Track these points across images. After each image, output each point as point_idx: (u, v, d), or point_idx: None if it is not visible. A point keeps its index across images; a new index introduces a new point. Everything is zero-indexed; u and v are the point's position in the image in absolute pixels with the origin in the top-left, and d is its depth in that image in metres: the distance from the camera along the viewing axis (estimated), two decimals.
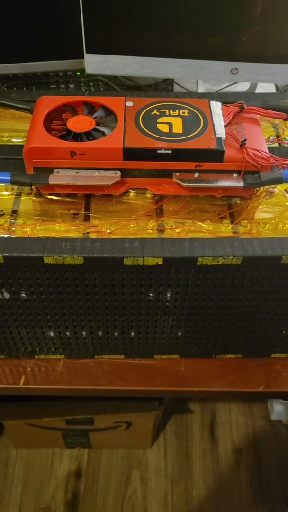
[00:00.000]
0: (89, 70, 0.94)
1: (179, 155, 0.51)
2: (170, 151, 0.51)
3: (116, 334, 0.60)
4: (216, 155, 0.51)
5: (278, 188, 0.55)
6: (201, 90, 1.04)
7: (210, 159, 0.51)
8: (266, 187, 0.55)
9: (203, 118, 0.54)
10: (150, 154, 0.51)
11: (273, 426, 1.35)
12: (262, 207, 0.54)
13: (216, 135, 0.52)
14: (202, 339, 0.62)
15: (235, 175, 0.52)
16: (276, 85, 1.06)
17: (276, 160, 0.52)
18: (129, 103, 0.55)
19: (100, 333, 0.60)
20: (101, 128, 0.53)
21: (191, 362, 0.65)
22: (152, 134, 0.52)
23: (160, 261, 0.49)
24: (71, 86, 1.02)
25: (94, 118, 0.55)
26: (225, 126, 0.54)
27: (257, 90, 1.00)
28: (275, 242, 0.49)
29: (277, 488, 1.23)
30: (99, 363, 0.65)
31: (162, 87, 1.05)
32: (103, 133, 0.53)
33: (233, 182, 0.51)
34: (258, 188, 0.55)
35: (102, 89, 1.01)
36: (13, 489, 1.22)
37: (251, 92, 0.99)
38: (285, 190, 0.55)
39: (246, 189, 0.53)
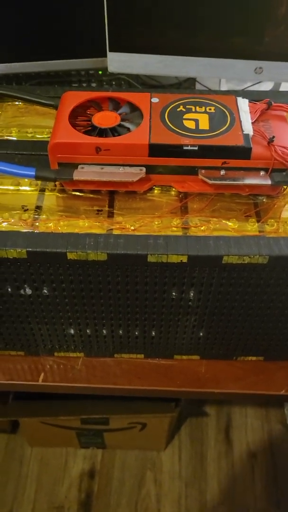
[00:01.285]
0: (111, 68, 0.94)
1: (205, 151, 0.50)
2: (196, 148, 0.50)
3: (136, 333, 0.59)
4: (243, 152, 0.50)
5: None
6: (223, 89, 1.03)
7: (237, 156, 0.50)
8: None
9: (230, 114, 0.53)
10: (175, 151, 0.50)
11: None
12: None
13: (244, 132, 0.51)
14: (224, 340, 0.61)
15: (262, 173, 0.51)
16: None
17: None
18: (154, 100, 0.55)
19: (120, 332, 0.59)
20: (127, 124, 0.53)
21: (211, 363, 0.64)
22: (178, 130, 0.51)
23: (184, 259, 0.48)
24: (93, 84, 1.02)
25: (120, 114, 0.54)
26: (252, 123, 0.53)
27: (281, 90, 0.99)
28: None
29: None
30: (118, 362, 0.64)
31: (185, 86, 1.04)
32: (128, 129, 0.52)
33: (260, 180, 0.50)
34: (285, 187, 0.54)
35: (124, 87, 1.01)
36: (27, 487, 1.22)
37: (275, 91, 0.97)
38: None
39: (273, 188, 0.52)
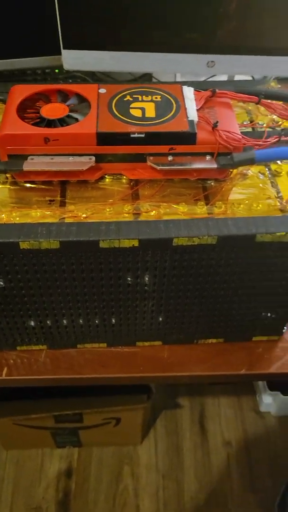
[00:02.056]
0: (66, 66, 0.95)
1: (152, 138, 0.51)
2: (143, 135, 0.51)
3: (97, 321, 0.60)
4: (188, 137, 0.51)
5: (252, 170, 0.56)
6: None
7: (183, 141, 0.52)
8: (240, 169, 0.56)
9: (175, 102, 0.55)
10: (123, 139, 0.51)
11: (262, 418, 1.36)
12: (236, 188, 0.55)
13: (189, 118, 0.52)
14: (183, 324, 0.62)
15: (208, 157, 0.52)
16: (253, 77, 1.07)
17: (248, 141, 0.53)
18: (102, 90, 0.56)
19: (81, 321, 0.60)
20: (75, 115, 0.54)
21: (173, 348, 0.66)
22: (125, 119, 0.52)
23: (136, 243, 0.49)
24: (49, 82, 1.02)
25: (68, 106, 0.55)
26: (197, 110, 0.54)
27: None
28: (249, 221, 0.50)
29: (268, 478, 1.24)
30: (82, 352, 0.65)
31: (140, 82, 1.06)
32: (76, 120, 0.53)
33: (207, 164, 0.52)
34: (231, 170, 0.55)
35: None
36: (3, 490, 1.21)
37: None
38: (259, 172, 0.56)
39: (220, 171, 0.54)
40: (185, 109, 0.54)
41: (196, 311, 0.60)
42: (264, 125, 0.62)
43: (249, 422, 1.35)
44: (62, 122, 0.53)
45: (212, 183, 0.55)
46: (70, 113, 0.54)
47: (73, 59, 0.94)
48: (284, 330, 0.66)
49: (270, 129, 0.61)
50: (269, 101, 0.58)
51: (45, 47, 0.96)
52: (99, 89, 0.56)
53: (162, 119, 0.52)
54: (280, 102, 0.59)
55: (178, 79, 1.05)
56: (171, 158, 0.52)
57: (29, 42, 0.96)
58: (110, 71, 0.97)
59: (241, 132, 0.53)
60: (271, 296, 0.58)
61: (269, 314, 0.61)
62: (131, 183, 0.55)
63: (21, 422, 1.13)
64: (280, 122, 0.62)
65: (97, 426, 1.19)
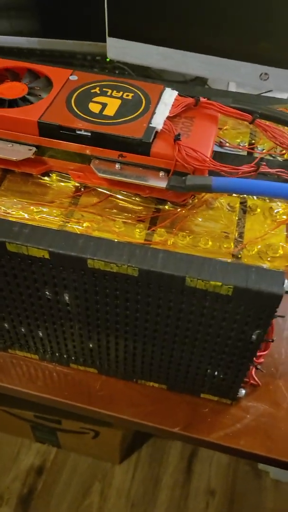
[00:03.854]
0: (110, 55, 0.89)
1: (99, 139, 0.44)
2: (89, 134, 0.44)
3: (23, 329, 0.54)
4: (141, 146, 0.43)
5: (222, 200, 0.47)
6: None
7: (135, 150, 0.44)
8: (207, 196, 0.47)
9: (145, 104, 0.47)
10: (67, 134, 0.44)
11: (257, 476, 1.22)
12: (194, 218, 0.45)
13: (150, 125, 0.44)
14: (118, 358, 0.54)
15: (162, 174, 0.44)
16: None
17: (216, 165, 0.43)
18: (73, 77, 0.49)
19: (6, 325, 0.54)
20: (32, 98, 0.48)
21: (109, 381, 0.58)
22: (77, 112, 0.45)
23: (46, 254, 0.42)
24: (95, 70, 0.97)
25: (30, 88, 0.49)
26: (170, 117, 0.46)
27: None
28: (182, 259, 0.41)
29: None
30: (12, 357, 0.59)
31: (191, 86, 0.97)
32: (30, 103, 0.47)
33: (156, 181, 0.44)
34: (194, 196, 0.46)
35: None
36: None
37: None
38: (229, 204, 0.46)
39: (177, 194, 0.45)
40: (153, 113, 0.45)
41: (130, 347, 0.51)
42: (264, 151, 0.52)
43: (241, 475, 1.22)
44: (14, 103, 0.47)
45: (166, 206, 0.46)
46: (28, 96, 0.48)
47: (117, 48, 0.88)
48: (240, 395, 0.55)
49: (271, 158, 0.51)
50: (267, 123, 0.48)
51: (92, 32, 0.91)
52: (71, 75, 0.49)
53: (119, 120, 0.45)
54: (281, 127, 0.49)
55: (231, 88, 0.95)
56: (119, 166, 0.44)
57: (76, 24, 0.92)
58: (154, 67, 0.89)
59: (226, 153, 0.44)
60: (215, 353, 0.48)
61: (216, 373, 0.51)
62: (79, 187, 0.48)
63: (2, 407, 1.11)
64: (284, 152, 0.52)
65: (75, 432, 1.13)
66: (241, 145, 0.52)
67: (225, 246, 0.43)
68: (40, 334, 0.54)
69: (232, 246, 0.43)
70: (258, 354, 0.57)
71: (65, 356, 0.57)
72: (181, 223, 0.45)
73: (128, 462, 1.23)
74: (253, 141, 0.53)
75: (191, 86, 0.96)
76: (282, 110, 0.52)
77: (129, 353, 0.52)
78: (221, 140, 0.52)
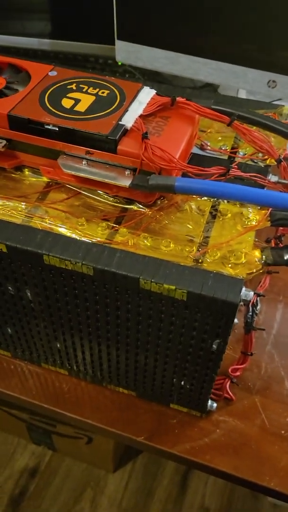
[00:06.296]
0: (118, 58, 0.89)
1: (66, 135, 0.43)
2: (56, 129, 0.43)
3: None
4: (107, 143, 0.42)
5: (191, 203, 0.45)
6: None
7: (101, 147, 0.43)
8: (179, 198, 0.45)
9: (119, 101, 0.46)
10: (36, 128, 0.44)
11: (256, 499, 1.17)
12: (161, 220, 0.44)
13: (119, 122, 0.43)
14: (86, 360, 0.53)
15: (128, 172, 0.43)
16: None
17: (184, 167, 0.42)
18: (52, 73, 0.49)
19: None
20: (8, 92, 0.48)
21: (79, 383, 0.56)
22: (48, 107, 0.45)
23: (4, 248, 0.41)
24: (105, 73, 0.96)
25: (8, 82, 0.49)
26: (143, 116, 0.45)
27: None
28: (139, 260, 0.40)
29: None
30: None
31: (199, 91, 0.96)
32: (4, 96, 0.47)
33: (119, 179, 0.42)
34: (163, 197, 0.45)
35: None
36: None
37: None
38: (199, 207, 0.45)
39: (145, 194, 0.44)
40: (125, 111, 0.44)
41: (95, 350, 0.50)
42: (245, 155, 0.50)
43: (238, 495, 1.18)
44: None
45: (134, 206, 0.45)
46: (5, 90, 0.48)
47: (126, 52, 0.88)
48: (211, 408, 0.53)
49: (252, 163, 0.49)
50: (245, 125, 0.46)
51: (102, 35, 0.91)
52: (50, 71, 0.49)
53: (89, 116, 0.44)
54: (263, 131, 0.47)
55: (241, 94, 0.94)
56: (85, 162, 0.44)
57: (89, 26, 0.92)
58: (162, 71, 0.89)
59: (201, 156, 0.44)
60: (179, 361, 0.46)
61: (182, 383, 0.49)
62: (50, 183, 0.47)
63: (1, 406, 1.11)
64: (266, 157, 0.49)
65: (69, 437, 1.12)
66: (223, 148, 0.51)
67: (187, 249, 0.41)
68: (9, 330, 0.53)
69: (195, 250, 0.41)
70: (235, 367, 0.55)
71: (35, 355, 0.56)
72: (145, 224, 0.43)
73: (122, 471, 1.21)
74: (236, 146, 0.51)
75: (198, 92, 0.95)
76: (269, 115, 0.51)
77: (94, 355, 0.51)
78: (203, 142, 0.51)
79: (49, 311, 0.47)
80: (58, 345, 0.52)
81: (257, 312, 0.51)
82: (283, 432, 0.52)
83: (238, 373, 0.55)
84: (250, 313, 0.50)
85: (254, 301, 0.50)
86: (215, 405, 0.53)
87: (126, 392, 0.55)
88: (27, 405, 0.56)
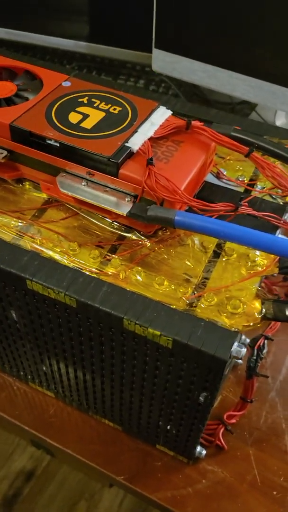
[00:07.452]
0: (154, 67, 0.86)
1: (67, 152, 0.40)
2: (58, 145, 0.40)
3: None
4: (108, 166, 0.39)
5: (195, 238, 0.41)
6: (278, 124, 0.88)
7: (102, 169, 0.40)
8: (182, 232, 0.41)
9: (130, 120, 0.42)
10: (37, 142, 0.41)
11: None
12: (158, 252, 0.40)
13: (125, 144, 0.40)
14: (71, 388, 0.50)
15: (128, 198, 0.39)
16: None
17: (190, 200, 0.38)
18: (66, 83, 0.46)
19: None
20: (17, 100, 0.45)
21: (65, 408, 0.54)
22: (53, 120, 0.42)
23: None
24: (141, 81, 0.94)
25: (20, 89, 0.46)
26: (155, 138, 0.41)
27: None
28: (127, 297, 0.36)
29: None
30: None
31: (237, 109, 0.92)
32: (13, 104, 0.45)
33: (118, 205, 0.39)
34: (165, 228, 0.41)
35: (170, 95, 0.92)
36: None
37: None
38: (202, 244, 0.41)
39: (144, 225, 0.40)
40: (133, 131, 0.41)
41: (80, 379, 0.47)
42: (264, 189, 0.46)
43: None
44: None
45: (132, 235, 0.42)
46: (14, 97, 0.45)
47: (163, 61, 0.85)
48: (199, 456, 0.49)
49: (271, 198, 0.45)
50: (265, 157, 0.42)
51: (141, 42, 0.88)
52: (64, 81, 0.46)
53: (94, 134, 0.41)
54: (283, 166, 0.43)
55: (279, 117, 0.89)
56: (85, 183, 0.41)
57: (126, 32, 0.89)
58: (198, 84, 0.85)
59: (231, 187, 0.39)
60: (165, 405, 0.43)
61: (168, 427, 0.46)
62: (50, 200, 0.45)
63: None
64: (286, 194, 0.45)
65: None
66: (240, 179, 0.47)
67: (181, 290, 0.37)
68: None
69: (189, 292, 0.37)
70: (231, 413, 0.51)
71: (22, 373, 0.53)
72: (141, 257, 0.40)
73: (118, 488, 1.17)
74: (255, 177, 0.47)
75: (225, 114, 0.91)
76: None
77: (80, 384, 0.48)
78: (219, 170, 0.47)
79: (34, 334, 0.45)
80: (44, 368, 0.49)
81: (262, 356, 0.47)
82: (275, 493, 0.48)
83: (233, 420, 0.51)
84: (255, 357, 0.46)
85: (261, 344, 0.46)
86: (204, 452, 0.49)
87: (112, 425, 0.52)
88: (6, 423, 0.53)
